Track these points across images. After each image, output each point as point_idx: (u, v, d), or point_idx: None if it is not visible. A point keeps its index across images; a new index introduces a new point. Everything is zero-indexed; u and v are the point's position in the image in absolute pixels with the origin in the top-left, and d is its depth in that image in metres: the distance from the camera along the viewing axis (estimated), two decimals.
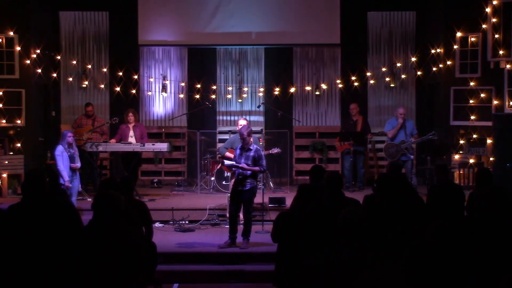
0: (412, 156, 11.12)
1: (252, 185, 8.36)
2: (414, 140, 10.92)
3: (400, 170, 7.43)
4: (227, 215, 9.58)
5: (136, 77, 12.81)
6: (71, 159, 9.47)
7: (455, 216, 6.92)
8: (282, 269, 5.55)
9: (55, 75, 12.63)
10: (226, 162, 8.73)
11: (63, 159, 9.36)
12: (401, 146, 10.95)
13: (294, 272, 5.08)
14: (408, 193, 6.21)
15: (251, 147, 8.38)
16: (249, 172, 8.32)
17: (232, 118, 12.99)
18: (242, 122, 9.65)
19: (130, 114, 11.29)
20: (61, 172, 9.22)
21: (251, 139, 8.49)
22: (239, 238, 8.38)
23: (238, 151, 8.45)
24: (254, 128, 12.11)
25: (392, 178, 6.20)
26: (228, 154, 9.59)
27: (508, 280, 3.31)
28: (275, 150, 10.55)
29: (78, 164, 9.60)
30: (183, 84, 13.03)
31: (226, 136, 11.65)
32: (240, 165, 8.29)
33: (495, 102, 11.06)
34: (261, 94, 12.90)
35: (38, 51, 11.78)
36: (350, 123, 11.96)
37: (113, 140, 11.15)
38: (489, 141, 10.90)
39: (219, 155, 10.24)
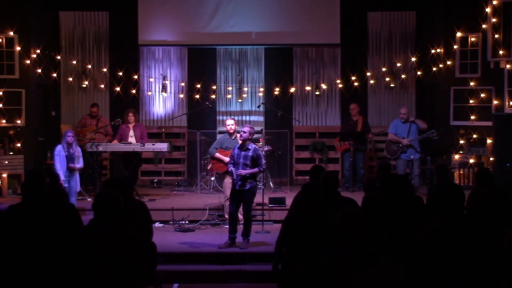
0: (418, 156, 11.03)
1: (252, 184, 8.35)
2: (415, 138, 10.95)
3: (389, 170, 7.44)
4: (226, 215, 9.59)
5: (136, 77, 12.81)
6: (70, 159, 9.45)
7: (455, 216, 6.91)
8: (286, 270, 5.56)
9: (55, 75, 12.63)
10: (226, 181, 8.80)
11: (60, 159, 9.36)
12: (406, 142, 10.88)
13: (293, 272, 5.08)
14: (408, 193, 6.21)
15: (250, 147, 8.37)
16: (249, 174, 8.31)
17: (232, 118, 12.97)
18: (230, 122, 9.61)
19: (130, 114, 11.30)
20: (57, 171, 9.20)
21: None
22: (239, 238, 8.38)
23: (236, 151, 8.41)
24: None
25: (393, 178, 6.20)
26: (218, 155, 9.56)
27: (508, 280, 3.31)
28: (265, 148, 10.55)
29: (77, 165, 9.56)
30: (183, 84, 13.03)
31: (219, 136, 11.63)
32: (239, 173, 8.25)
33: (495, 102, 11.06)
34: (261, 94, 12.90)
35: (38, 51, 11.78)
36: (350, 123, 11.96)
37: (116, 141, 11.15)
38: (489, 141, 10.90)
39: (209, 156, 10.18)
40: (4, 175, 11.06)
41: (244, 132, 8.35)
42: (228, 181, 9.30)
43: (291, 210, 6.98)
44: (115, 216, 4.69)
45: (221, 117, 13.16)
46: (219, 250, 8.23)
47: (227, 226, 9.42)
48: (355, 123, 11.90)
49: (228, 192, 9.25)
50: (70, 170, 9.47)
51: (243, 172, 8.23)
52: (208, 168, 11.19)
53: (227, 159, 9.14)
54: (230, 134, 9.51)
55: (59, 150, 9.40)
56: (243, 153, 8.33)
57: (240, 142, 8.63)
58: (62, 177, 9.26)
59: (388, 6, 13.03)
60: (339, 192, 6.00)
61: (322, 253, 4.12)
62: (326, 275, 3.99)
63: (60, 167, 9.32)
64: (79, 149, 9.76)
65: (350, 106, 12.09)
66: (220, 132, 12.83)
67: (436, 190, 7.23)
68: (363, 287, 3.76)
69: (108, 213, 4.66)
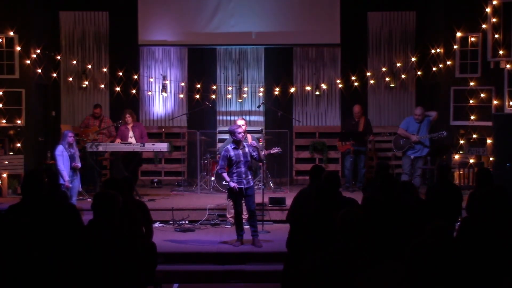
0: (426, 151, 11.00)
1: (253, 181, 8.54)
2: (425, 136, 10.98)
3: (387, 170, 7.47)
4: (227, 215, 9.59)
5: (136, 77, 12.80)
6: (72, 159, 9.49)
7: (452, 216, 6.93)
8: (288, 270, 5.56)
9: (55, 75, 12.63)
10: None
11: (64, 159, 9.38)
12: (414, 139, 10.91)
13: (295, 272, 5.08)
14: (408, 193, 6.22)
15: (244, 145, 8.42)
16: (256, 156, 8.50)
17: (232, 118, 12.98)
18: (241, 122, 9.64)
19: (127, 115, 11.27)
20: (62, 172, 9.24)
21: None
22: (245, 237, 8.42)
23: (233, 152, 8.32)
24: (254, 128, 12.16)
25: (393, 179, 6.21)
26: None
27: (510, 280, 3.31)
28: (275, 150, 10.56)
29: (79, 164, 9.63)
30: (183, 84, 13.03)
31: (226, 136, 11.65)
32: (253, 144, 8.44)
33: (495, 102, 11.06)
34: (261, 94, 12.90)
35: (38, 51, 11.78)
36: (352, 124, 11.96)
37: (118, 140, 11.15)
38: (489, 141, 10.90)
39: (219, 155, 10.21)
40: (4, 175, 11.06)
41: (243, 133, 8.42)
42: None
43: (291, 211, 6.99)
44: (115, 216, 4.68)
45: (221, 117, 13.18)
46: (219, 250, 8.23)
47: (228, 226, 9.47)
48: (357, 124, 11.90)
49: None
50: (74, 170, 9.51)
51: (258, 145, 8.41)
52: (215, 168, 11.18)
53: None
54: None
55: (62, 151, 9.41)
56: (241, 152, 8.35)
57: (248, 142, 8.68)
58: (67, 177, 9.30)
59: (388, 6, 13.03)
60: (340, 192, 6.01)
61: (323, 253, 4.12)
62: (328, 274, 3.99)
63: (64, 167, 9.34)
64: (77, 148, 9.82)
65: (353, 107, 12.05)
66: (220, 132, 12.87)
67: (435, 190, 7.26)
68: (363, 287, 3.76)
69: (107, 213, 4.65)
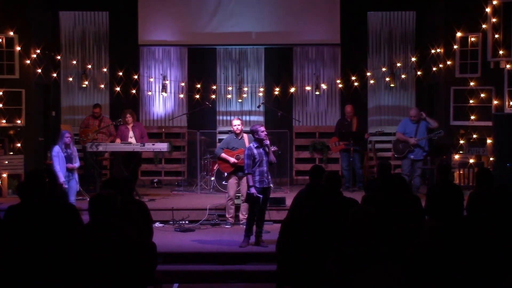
0: (424, 154, 11.07)
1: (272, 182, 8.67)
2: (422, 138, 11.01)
3: (389, 170, 7.48)
4: (227, 215, 9.59)
5: (136, 77, 12.80)
6: (68, 159, 9.47)
7: (454, 217, 6.91)
8: (286, 270, 5.54)
9: (55, 75, 12.63)
10: (230, 182, 9.19)
11: (59, 160, 9.37)
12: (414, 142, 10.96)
13: (300, 271, 5.08)
14: (407, 193, 6.22)
15: (265, 143, 8.39)
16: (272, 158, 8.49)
17: (232, 118, 12.95)
18: (237, 122, 9.63)
19: (128, 115, 11.27)
20: (57, 173, 9.24)
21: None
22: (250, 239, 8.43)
23: (256, 151, 8.32)
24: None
25: (392, 179, 6.21)
26: (224, 155, 9.55)
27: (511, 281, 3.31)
28: (272, 149, 10.57)
29: (75, 164, 9.60)
30: (183, 84, 13.03)
31: (226, 136, 11.65)
32: (268, 143, 8.40)
33: (495, 102, 11.06)
34: (261, 94, 12.90)
35: (38, 51, 11.78)
36: (346, 124, 11.97)
37: (118, 140, 11.15)
38: (489, 141, 10.90)
39: (217, 155, 10.19)
40: (4, 175, 11.06)
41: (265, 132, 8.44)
42: (233, 181, 9.36)
43: (291, 211, 6.99)
44: (111, 216, 4.66)
45: (221, 117, 13.18)
46: (219, 250, 8.23)
47: (227, 226, 9.46)
48: (350, 124, 11.92)
49: (232, 192, 9.31)
50: (70, 170, 9.50)
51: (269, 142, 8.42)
52: (215, 168, 11.18)
53: (232, 159, 9.25)
54: (237, 135, 9.50)
55: (58, 151, 9.40)
56: (263, 150, 8.37)
57: (245, 141, 8.67)
58: (62, 178, 9.30)
59: (388, 6, 13.02)
60: (341, 192, 6.00)
61: (333, 252, 4.09)
62: (337, 274, 3.97)
63: (60, 168, 9.34)
64: (75, 148, 9.80)
65: (345, 106, 12.09)
66: (220, 132, 12.87)
67: (436, 190, 7.25)
68: (368, 286, 3.75)
69: (103, 214, 4.63)
